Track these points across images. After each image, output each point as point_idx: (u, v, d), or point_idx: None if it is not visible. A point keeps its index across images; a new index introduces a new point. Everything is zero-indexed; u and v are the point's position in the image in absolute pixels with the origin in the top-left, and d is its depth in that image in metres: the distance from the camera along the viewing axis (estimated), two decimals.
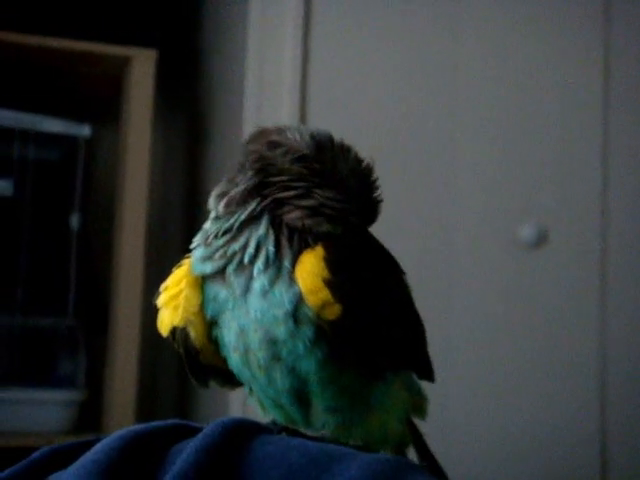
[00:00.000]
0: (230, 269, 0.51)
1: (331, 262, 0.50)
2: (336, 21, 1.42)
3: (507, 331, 1.44)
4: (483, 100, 1.47)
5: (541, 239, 1.45)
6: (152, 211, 1.59)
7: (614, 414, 1.46)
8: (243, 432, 0.46)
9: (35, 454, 0.49)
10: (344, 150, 0.53)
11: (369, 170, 0.54)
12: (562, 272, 1.47)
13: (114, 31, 1.66)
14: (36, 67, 1.57)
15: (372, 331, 0.51)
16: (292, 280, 0.50)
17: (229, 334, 0.53)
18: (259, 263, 0.50)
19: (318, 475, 0.42)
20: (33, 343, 1.52)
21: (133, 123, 1.47)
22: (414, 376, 0.56)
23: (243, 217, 0.51)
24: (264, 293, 0.50)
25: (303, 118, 1.36)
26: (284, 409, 0.54)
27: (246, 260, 0.51)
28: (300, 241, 0.51)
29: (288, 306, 0.50)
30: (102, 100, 1.69)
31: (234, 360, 0.53)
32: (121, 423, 1.36)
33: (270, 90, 1.37)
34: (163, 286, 0.56)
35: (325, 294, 0.49)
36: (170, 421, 0.49)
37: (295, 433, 0.50)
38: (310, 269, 0.50)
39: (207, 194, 0.55)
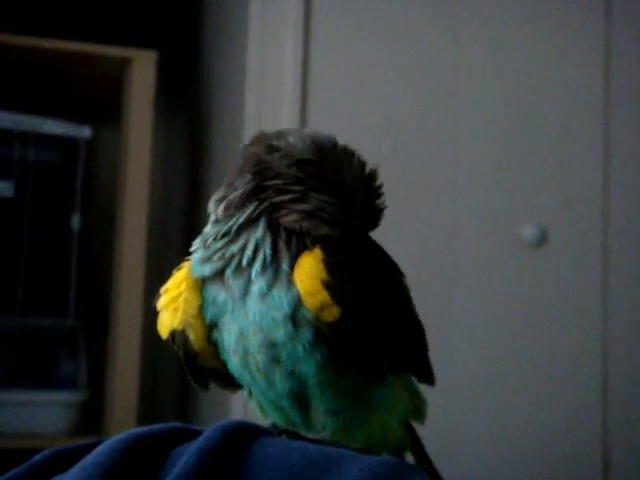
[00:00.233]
0: (229, 271, 0.52)
1: (329, 264, 0.50)
2: (336, 21, 1.42)
3: (508, 330, 1.44)
4: (484, 101, 1.47)
5: (542, 239, 1.45)
6: (153, 212, 1.59)
7: (616, 413, 1.46)
8: (244, 434, 0.46)
9: (36, 457, 0.49)
10: (347, 155, 0.53)
11: (373, 176, 0.53)
12: (563, 272, 1.47)
13: (114, 32, 1.66)
14: (36, 68, 1.57)
15: (371, 333, 0.51)
16: (290, 282, 0.50)
17: (229, 337, 0.53)
18: (257, 266, 0.51)
19: (318, 477, 0.42)
20: (34, 344, 1.52)
21: (134, 124, 1.47)
22: (414, 379, 0.56)
23: (241, 220, 0.51)
24: (262, 296, 0.50)
25: (304, 118, 1.36)
26: (284, 412, 0.54)
27: (244, 262, 0.51)
28: (298, 243, 0.51)
29: (287, 309, 0.50)
30: (102, 101, 1.69)
31: (234, 363, 0.53)
32: (122, 424, 1.36)
33: (271, 91, 1.37)
34: (163, 288, 0.56)
35: (324, 296, 0.49)
36: (171, 424, 0.49)
37: (295, 435, 0.50)
38: (308, 271, 0.50)
39: (208, 195, 0.55)
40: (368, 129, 1.40)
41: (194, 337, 0.54)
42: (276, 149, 0.52)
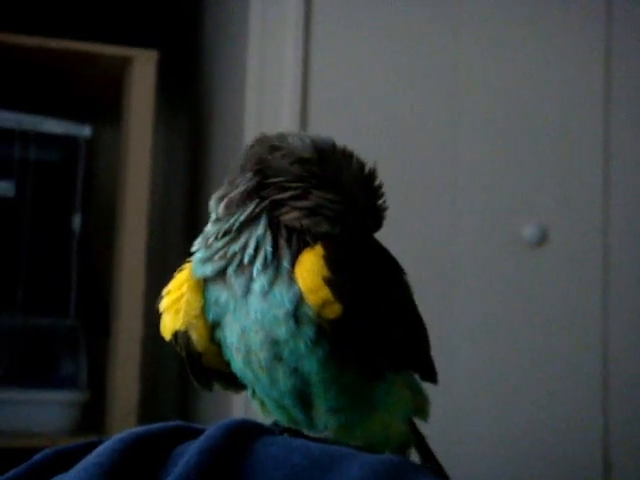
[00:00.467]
0: (230, 270, 0.52)
1: (331, 261, 0.50)
2: (337, 21, 1.42)
3: (509, 330, 1.44)
4: (484, 101, 1.47)
5: (542, 239, 1.45)
6: (153, 211, 1.59)
7: (616, 413, 1.46)
8: (245, 433, 0.46)
9: (37, 456, 0.49)
10: (346, 156, 0.53)
11: (372, 176, 0.54)
12: (564, 271, 1.47)
13: (115, 32, 1.66)
14: (37, 68, 1.57)
15: (373, 330, 0.51)
16: (292, 280, 0.50)
17: (231, 336, 0.53)
18: (258, 264, 0.51)
19: (321, 476, 0.42)
20: (34, 344, 1.51)
21: (134, 124, 1.47)
22: (416, 377, 0.56)
23: (242, 218, 0.51)
24: (264, 294, 0.50)
25: (304, 118, 1.36)
26: (286, 410, 0.54)
27: (246, 260, 0.51)
28: (299, 241, 0.51)
29: (288, 306, 0.50)
30: (103, 101, 1.69)
31: (236, 362, 0.53)
32: (123, 424, 1.36)
33: (271, 90, 1.37)
34: (165, 290, 0.56)
35: (325, 293, 0.49)
36: (172, 423, 0.49)
37: (297, 434, 0.50)
38: (310, 268, 0.50)
39: (208, 195, 0.55)
40: (368, 129, 1.40)
41: (197, 337, 0.54)
42: (278, 149, 0.52)
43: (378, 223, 0.54)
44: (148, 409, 1.59)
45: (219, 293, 0.52)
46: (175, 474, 0.43)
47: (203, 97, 1.73)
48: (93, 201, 1.68)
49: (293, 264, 0.50)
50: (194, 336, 0.54)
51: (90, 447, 0.47)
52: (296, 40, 1.37)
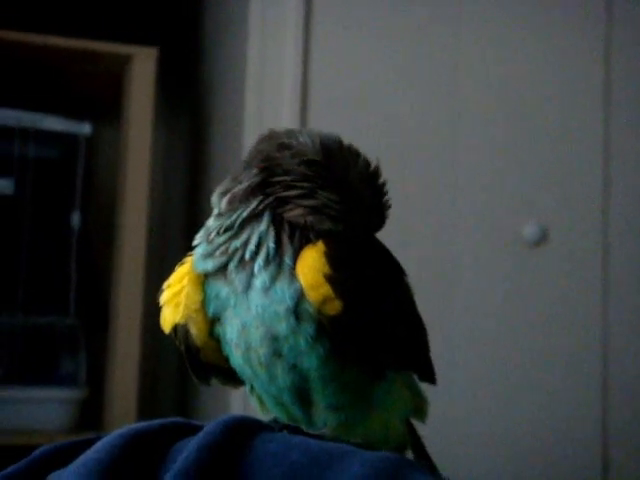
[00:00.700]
0: (232, 266, 0.52)
1: (332, 258, 0.50)
2: (337, 21, 1.41)
3: (508, 330, 1.44)
4: (484, 101, 1.47)
5: (543, 238, 1.45)
6: (153, 209, 1.59)
7: (616, 413, 1.46)
8: (244, 430, 0.46)
9: (36, 452, 0.49)
10: (353, 155, 0.53)
11: (378, 176, 0.54)
12: (564, 270, 1.47)
13: (115, 29, 1.66)
14: (37, 65, 1.56)
15: (373, 328, 0.51)
16: (293, 276, 0.50)
17: (231, 331, 0.53)
18: (260, 259, 0.51)
19: (320, 473, 0.42)
20: (34, 341, 1.52)
21: (134, 121, 1.47)
22: (415, 377, 0.56)
23: (245, 214, 0.51)
24: (265, 290, 0.50)
25: (304, 116, 1.36)
26: (285, 407, 0.54)
27: (247, 256, 0.51)
28: (301, 238, 0.51)
29: (289, 302, 0.50)
30: (103, 98, 1.69)
31: (235, 357, 0.53)
32: (122, 421, 1.36)
33: (271, 89, 1.37)
34: (166, 284, 0.56)
35: (326, 289, 0.49)
36: (171, 419, 0.49)
37: (296, 431, 0.50)
38: (311, 264, 0.50)
39: (208, 192, 0.55)
40: (368, 129, 1.40)
41: (196, 332, 0.54)
42: (287, 147, 0.52)
43: (382, 221, 0.54)
44: (147, 406, 1.59)
45: (219, 288, 0.52)
46: (174, 470, 0.43)
47: (203, 95, 1.73)
48: (93, 199, 1.67)
49: (295, 261, 0.50)
50: (193, 330, 0.54)
51: (89, 443, 0.47)
52: (296, 39, 1.37)
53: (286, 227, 0.51)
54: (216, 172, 1.57)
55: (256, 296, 0.51)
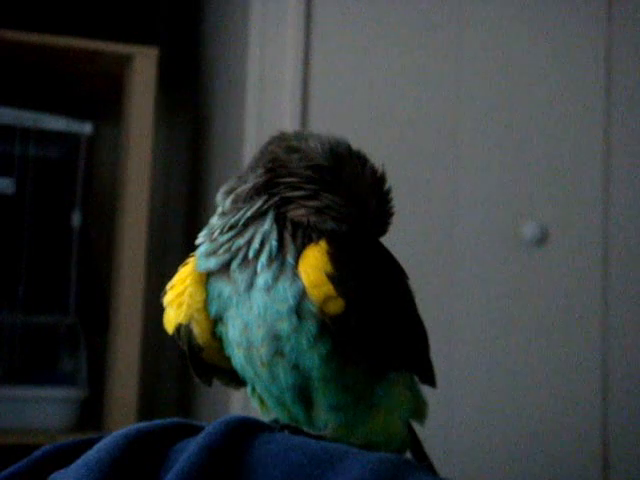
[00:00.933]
0: (234, 264, 0.52)
1: (335, 257, 0.50)
2: (337, 20, 1.41)
3: (508, 329, 1.44)
4: (484, 101, 1.47)
5: (543, 238, 1.45)
6: (153, 209, 1.59)
7: (616, 411, 1.46)
8: (245, 430, 0.46)
9: (37, 452, 0.49)
10: (361, 162, 0.53)
11: (384, 183, 0.54)
12: (564, 270, 1.47)
13: (116, 29, 1.66)
14: (38, 65, 1.57)
15: (374, 327, 0.51)
16: (296, 275, 0.50)
17: (233, 330, 0.53)
18: (263, 258, 0.51)
19: (320, 474, 0.42)
20: (35, 341, 1.52)
21: (135, 121, 1.47)
22: (416, 379, 0.56)
23: (249, 213, 0.52)
24: (268, 288, 0.51)
25: (304, 116, 1.36)
26: (286, 408, 0.54)
27: (250, 255, 0.51)
28: (304, 237, 0.51)
29: (291, 301, 0.50)
30: (104, 98, 1.69)
31: (237, 357, 0.53)
32: (122, 421, 1.36)
33: (272, 89, 1.37)
34: (169, 285, 0.56)
35: (328, 288, 0.49)
36: (172, 419, 0.49)
37: (297, 431, 0.50)
38: (313, 263, 0.50)
39: (208, 191, 0.55)
40: (369, 129, 1.40)
41: (199, 331, 0.54)
42: (295, 150, 0.52)
43: (385, 228, 0.54)
44: (147, 406, 1.59)
45: (222, 287, 0.53)
46: (175, 470, 0.43)
47: (204, 94, 1.73)
48: (93, 198, 1.68)
49: (297, 259, 0.50)
50: (196, 330, 0.54)
51: (90, 443, 0.47)
52: (297, 38, 1.37)
53: (289, 226, 0.51)
54: (217, 172, 1.57)
55: (258, 295, 0.51)
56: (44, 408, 1.43)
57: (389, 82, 1.44)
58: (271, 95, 1.37)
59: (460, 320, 1.41)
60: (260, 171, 0.52)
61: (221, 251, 0.52)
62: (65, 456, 0.48)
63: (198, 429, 0.47)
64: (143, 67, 1.47)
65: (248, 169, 0.54)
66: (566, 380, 1.45)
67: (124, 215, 1.46)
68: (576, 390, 1.45)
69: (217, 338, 0.55)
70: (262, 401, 0.56)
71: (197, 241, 0.54)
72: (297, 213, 0.51)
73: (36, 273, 1.52)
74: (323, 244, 0.50)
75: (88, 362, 1.51)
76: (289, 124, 1.32)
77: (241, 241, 0.51)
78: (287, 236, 0.51)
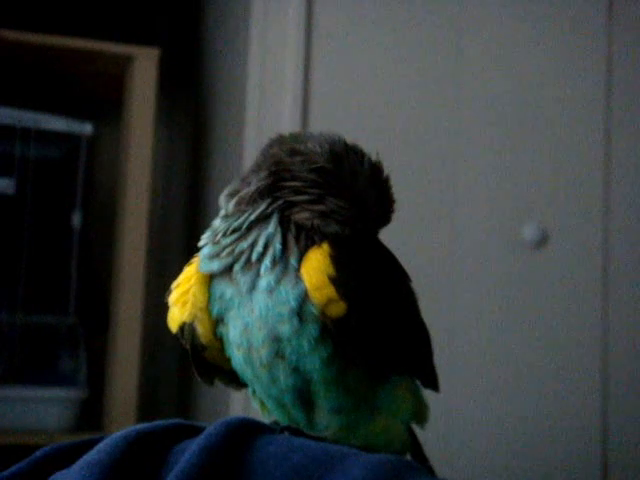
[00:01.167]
0: (237, 267, 0.52)
1: (337, 259, 0.50)
2: (338, 21, 1.41)
3: (509, 331, 1.44)
4: (485, 101, 1.47)
5: (543, 239, 1.45)
6: (154, 209, 1.59)
7: (616, 413, 1.46)
8: (246, 432, 0.46)
9: (37, 453, 0.49)
10: (358, 157, 0.53)
11: (381, 173, 0.54)
12: (564, 272, 1.47)
13: (117, 29, 1.66)
14: (38, 65, 1.57)
15: (376, 330, 0.51)
16: (298, 278, 0.50)
17: (234, 331, 0.53)
18: (266, 261, 0.51)
19: (321, 475, 0.42)
20: (34, 341, 1.52)
21: (135, 121, 1.47)
22: (418, 383, 0.56)
23: (253, 217, 0.52)
24: (270, 290, 0.51)
25: (305, 117, 1.36)
26: (286, 410, 0.54)
27: (254, 258, 0.51)
28: (307, 240, 0.51)
29: (293, 303, 0.50)
30: (104, 98, 1.69)
31: (237, 358, 0.54)
32: (122, 422, 1.36)
33: (272, 89, 1.37)
34: (174, 284, 0.56)
35: (330, 291, 0.49)
36: (173, 420, 0.49)
37: (297, 433, 0.50)
38: (316, 266, 0.50)
39: (209, 192, 0.55)
40: (369, 129, 1.40)
41: (202, 330, 0.55)
42: (298, 153, 0.52)
43: (388, 217, 0.54)
44: (147, 407, 1.59)
45: (224, 288, 0.53)
46: (175, 471, 0.43)
47: (204, 95, 1.73)
48: (94, 199, 1.68)
49: (300, 262, 0.50)
50: (199, 328, 0.55)
51: (91, 444, 0.47)
52: (298, 39, 1.37)
53: (293, 229, 0.51)
54: (217, 172, 1.57)
55: (260, 297, 0.51)
56: (44, 408, 1.43)
57: (390, 83, 1.44)
58: (272, 96, 1.37)
59: (460, 322, 1.41)
60: (263, 174, 0.52)
61: (224, 254, 0.52)
62: (66, 457, 0.48)
63: (198, 430, 0.48)
64: (144, 68, 1.47)
65: (250, 171, 0.54)
66: (566, 381, 1.45)
67: (124, 215, 1.46)
68: (576, 391, 1.45)
69: (219, 338, 0.55)
70: (262, 402, 0.56)
71: (200, 243, 0.54)
72: (301, 216, 0.51)
73: (36, 273, 1.52)
74: (326, 247, 0.51)
75: (88, 362, 1.51)
76: (289, 125, 1.32)
77: (244, 244, 0.52)
78: (291, 239, 0.51)
